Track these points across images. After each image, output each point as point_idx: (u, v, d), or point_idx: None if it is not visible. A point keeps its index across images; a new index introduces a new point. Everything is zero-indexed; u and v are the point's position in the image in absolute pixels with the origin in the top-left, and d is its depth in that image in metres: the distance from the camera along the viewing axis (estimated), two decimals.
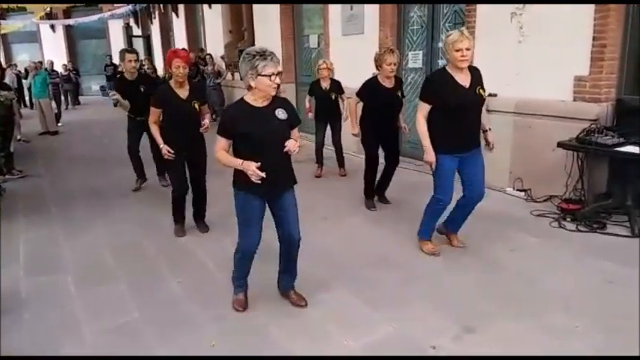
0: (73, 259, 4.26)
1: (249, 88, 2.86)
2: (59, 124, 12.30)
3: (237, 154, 2.91)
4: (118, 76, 7.85)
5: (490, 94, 5.65)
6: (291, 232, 3.09)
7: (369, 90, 4.94)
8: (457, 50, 3.42)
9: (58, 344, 2.99)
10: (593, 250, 3.99)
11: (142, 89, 5.76)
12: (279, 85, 2.86)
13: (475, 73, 3.63)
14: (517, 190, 5.36)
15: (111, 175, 7.05)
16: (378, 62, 4.80)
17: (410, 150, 7.19)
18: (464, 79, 3.56)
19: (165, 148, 4.29)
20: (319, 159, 6.79)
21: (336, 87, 6.50)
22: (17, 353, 2.93)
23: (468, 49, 3.43)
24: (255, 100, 2.88)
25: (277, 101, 2.97)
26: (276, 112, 2.91)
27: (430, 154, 3.67)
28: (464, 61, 3.47)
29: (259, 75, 2.76)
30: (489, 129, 3.89)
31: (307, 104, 6.81)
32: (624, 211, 4.40)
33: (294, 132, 3.03)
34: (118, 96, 5.77)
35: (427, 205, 3.96)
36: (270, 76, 2.76)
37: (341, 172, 6.72)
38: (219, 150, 2.92)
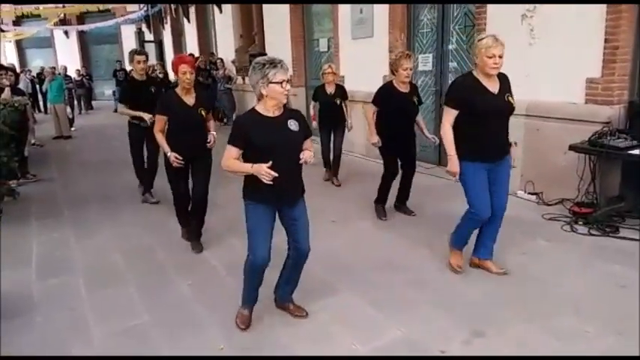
0: (83, 261, 4.30)
1: (260, 97, 2.85)
2: (72, 129, 12.45)
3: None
4: (128, 77, 7.66)
5: None
6: (301, 243, 3.06)
7: (383, 94, 4.79)
8: (490, 57, 3.24)
9: (67, 346, 3.01)
10: (605, 254, 3.94)
11: (152, 90, 5.67)
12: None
13: (504, 80, 3.43)
14: (528, 193, 5.31)
15: (121, 179, 7.10)
16: (394, 67, 4.65)
17: (419, 153, 7.19)
18: (492, 86, 3.37)
19: (173, 155, 4.13)
20: (327, 162, 6.64)
21: (341, 92, 6.36)
22: (29, 354, 2.96)
23: (500, 57, 3.25)
24: (267, 109, 2.86)
25: (288, 112, 2.97)
26: (289, 122, 2.90)
27: (454, 164, 3.44)
28: (495, 69, 3.29)
29: (270, 82, 2.76)
30: (515, 143, 3.70)
31: (312, 111, 6.57)
32: (637, 215, 4.35)
33: (307, 142, 3.01)
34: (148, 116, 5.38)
35: (464, 215, 3.65)
36: (281, 83, 2.77)
37: (336, 182, 6.45)
38: (229, 159, 2.87)
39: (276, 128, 2.85)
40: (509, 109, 3.43)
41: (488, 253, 3.72)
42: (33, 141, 9.42)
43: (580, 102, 4.85)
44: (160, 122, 4.27)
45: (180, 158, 4.14)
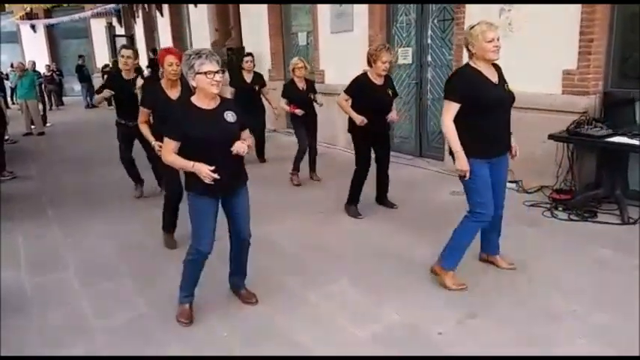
0: (74, 258, 4.27)
1: (194, 89, 2.90)
2: (47, 125, 12.21)
3: (184, 156, 2.89)
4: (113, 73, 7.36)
5: None
6: (241, 230, 3.18)
7: (359, 88, 4.68)
8: (489, 41, 3.12)
9: (69, 343, 3.00)
10: (585, 237, 4.13)
11: (135, 92, 5.36)
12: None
13: (499, 70, 3.35)
14: (508, 181, 5.47)
15: (102, 176, 7.02)
16: (373, 58, 4.56)
17: (399, 144, 7.32)
18: (492, 75, 3.27)
19: (157, 144, 4.04)
20: (298, 165, 6.27)
21: (312, 87, 6.26)
22: (30, 353, 2.95)
23: (498, 40, 3.15)
24: (200, 100, 2.90)
25: (226, 103, 3.01)
26: (225, 114, 2.93)
27: (464, 162, 3.22)
28: (496, 52, 3.16)
29: (197, 73, 2.80)
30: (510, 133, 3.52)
31: (287, 107, 6.15)
32: (613, 200, 4.55)
33: (245, 133, 3.05)
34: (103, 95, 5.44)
35: (461, 226, 3.41)
36: (206, 73, 2.78)
37: (315, 178, 6.36)
38: (169, 152, 2.91)
39: (211, 120, 2.87)
40: (511, 98, 3.36)
41: (496, 248, 3.70)
42: (7, 137, 9.21)
43: (557, 93, 5.04)
44: (144, 114, 4.34)
45: None
